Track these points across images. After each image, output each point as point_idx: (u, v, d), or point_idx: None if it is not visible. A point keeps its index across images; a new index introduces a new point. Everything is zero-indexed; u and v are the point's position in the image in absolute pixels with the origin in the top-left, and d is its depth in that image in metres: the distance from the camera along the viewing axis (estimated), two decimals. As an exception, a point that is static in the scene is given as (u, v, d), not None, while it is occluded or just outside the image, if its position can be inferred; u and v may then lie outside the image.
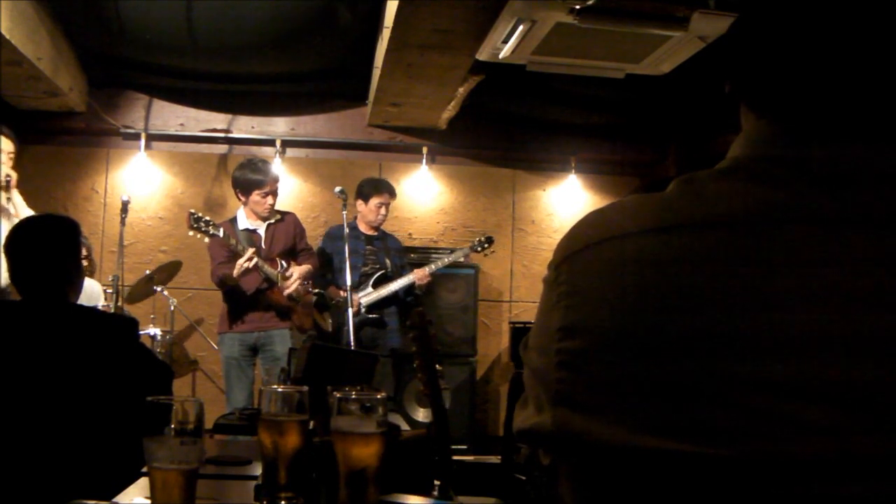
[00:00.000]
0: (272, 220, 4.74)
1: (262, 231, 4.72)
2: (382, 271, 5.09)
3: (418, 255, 5.72)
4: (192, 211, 4.41)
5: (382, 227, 5.27)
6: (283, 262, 4.70)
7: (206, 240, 4.48)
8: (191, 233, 4.37)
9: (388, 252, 5.21)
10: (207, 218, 4.38)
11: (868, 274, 0.72)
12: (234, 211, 5.81)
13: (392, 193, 5.21)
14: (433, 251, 5.80)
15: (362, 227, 5.14)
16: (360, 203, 5.12)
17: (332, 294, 4.93)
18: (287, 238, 4.78)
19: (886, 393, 0.69)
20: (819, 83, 0.80)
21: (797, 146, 0.80)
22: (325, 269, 5.01)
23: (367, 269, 5.05)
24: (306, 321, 4.82)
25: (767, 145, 0.82)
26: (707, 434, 0.72)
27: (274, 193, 4.68)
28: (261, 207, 4.64)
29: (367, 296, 4.99)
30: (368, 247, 5.11)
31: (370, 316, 5.02)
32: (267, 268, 4.56)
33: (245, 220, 4.72)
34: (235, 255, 4.53)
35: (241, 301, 4.62)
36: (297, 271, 4.70)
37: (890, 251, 0.72)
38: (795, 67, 0.81)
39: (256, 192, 4.60)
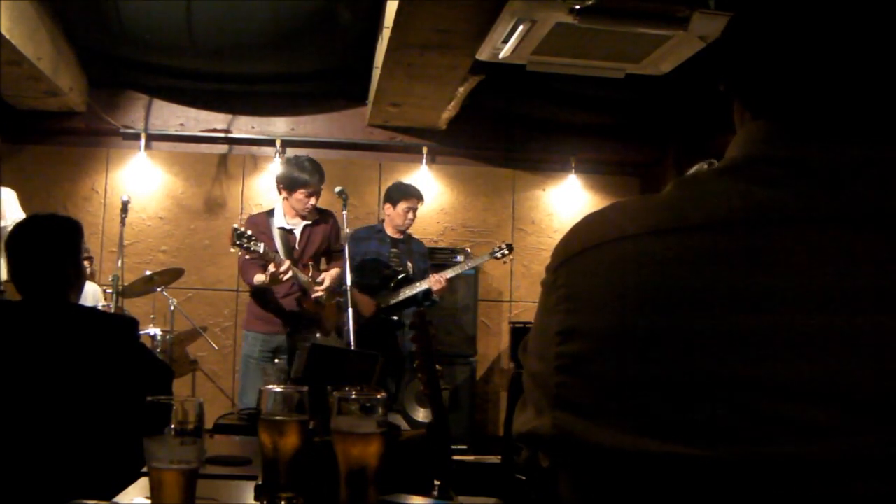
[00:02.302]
0: (310, 221, 4.66)
1: (298, 231, 4.64)
2: (404, 274, 5.10)
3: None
4: (236, 226, 4.27)
5: (408, 231, 5.28)
6: (314, 267, 4.64)
7: (232, 249, 4.33)
8: (233, 249, 4.25)
9: (412, 255, 5.22)
10: (249, 232, 4.25)
11: (868, 274, 0.72)
12: (235, 211, 5.83)
13: (420, 198, 5.21)
14: (435, 251, 5.80)
15: (389, 231, 5.16)
16: (388, 207, 5.14)
17: (353, 297, 4.90)
18: (322, 240, 4.71)
19: (886, 393, 0.69)
20: (816, 82, 0.80)
21: (795, 146, 0.80)
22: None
23: (388, 271, 5.07)
24: (329, 326, 4.77)
25: (765, 145, 0.82)
26: (707, 436, 0.72)
27: (318, 194, 4.60)
28: (302, 206, 4.56)
29: (387, 298, 5.01)
30: (393, 250, 5.14)
31: (390, 318, 5.03)
32: (300, 276, 4.48)
33: (282, 218, 4.62)
34: (266, 251, 4.49)
35: (269, 302, 4.56)
36: (328, 278, 4.63)
37: (890, 251, 0.72)
38: (792, 67, 0.81)
39: (301, 190, 4.51)
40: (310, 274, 4.58)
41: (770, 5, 0.84)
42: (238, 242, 4.18)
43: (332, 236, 4.78)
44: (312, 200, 4.57)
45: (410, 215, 5.16)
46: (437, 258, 5.61)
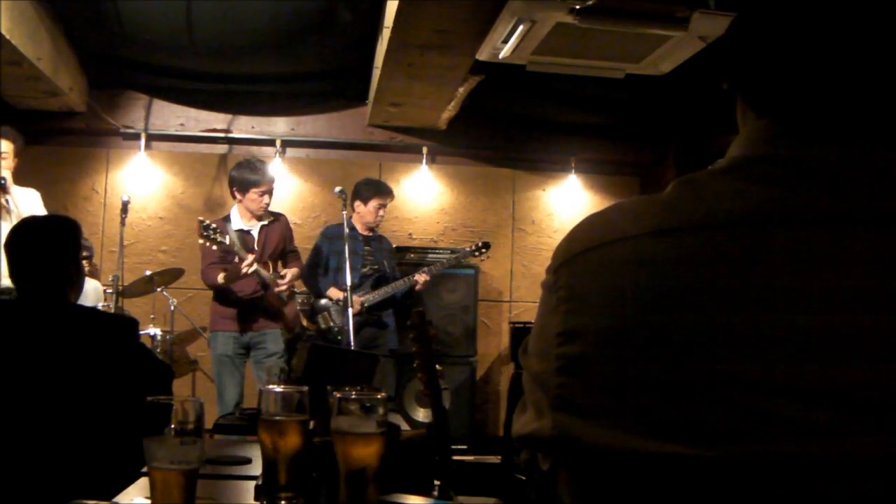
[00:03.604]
0: (265, 222, 4.77)
1: (255, 232, 4.74)
2: (381, 272, 5.10)
3: (417, 255, 5.72)
4: (202, 219, 4.44)
5: (377, 229, 5.29)
6: (273, 265, 4.74)
7: (200, 240, 4.47)
8: (200, 241, 4.37)
9: (384, 253, 5.23)
10: (215, 225, 4.41)
11: (868, 274, 0.72)
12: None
13: (391, 195, 5.22)
14: (432, 251, 5.80)
15: (359, 228, 5.15)
16: (358, 204, 5.12)
17: (332, 295, 4.95)
18: (279, 240, 4.83)
19: (886, 393, 0.69)
20: (819, 83, 0.80)
21: (797, 146, 0.80)
22: (323, 270, 5.03)
23: (366, 269, 5.07)
24: (292, 322, 4.86)
25: (767, 145, 0.82)
26: (707, 436, 0.72)
27: (270, 193, 4.72)
28: (256, 206, 4.67)
29: (368, 296, 5.01)
30: (366, 248, 5.13)
31: (370, 316, 5.04)
32: (262, 272, 4.60)
33: (239, 220, 4.73)
34: (226, 255, 4.56)
35: (234, 301, 4.65)
36: (289, 274, 4.77)
37: (890, 251, 0.72)
38: (796, 67, 0.81)
39: (254, 190, 4.63)
40: (270, 272, 4.68)
41: (774, 4, 0.84)
42: (205, 234, 4.33)
43: (286, 237, 4.91)
44: (266, 199, 4.70)
45: (381, 212, 5.16)
46: (436, 258, 5.61)
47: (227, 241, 4.41)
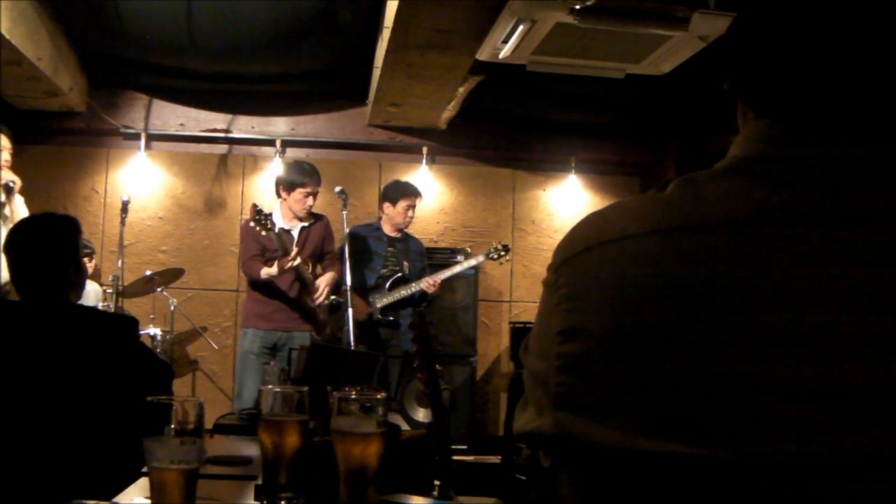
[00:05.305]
0: (306, 223, 4.82)
1: (295, 232, 4.79)
2: (400, 273, 5.11)
3: (438, 258, 5.71)
4: (255, 203, 4.54)
5: (407, 230, 5.29)
6: (311, 266, 4.79)
7: (251, 223, 4.48)
8: (251, 223, 4.43)
9: (409, 254, 5.23)
10: (268, 212, 4.48)
11: (868, 274, 0.72)
12: (235, 211, 5.85)
13: (418, 195, 5.26)
14: (435, 251, 5.80)
15: (386, 229, 5.17)
16: (387, 206, 5.16)
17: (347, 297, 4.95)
18: (318, 241, 4.88)
19: (886, 393, 0.69)
20: (820, 83, 0.80)
21: (797, 146, 0.80)
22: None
23: (385, 271, 5.10)
24: (323, 327, 4.87)
25: (767, 145, 0.82)
26: (707, 436, 0.72)
27: (315, 196, 4.78)
28: (300, 206, 4.73)
29: (382, 298, 5.02)
30: (390, 249, 5.15)
31: (386, 318, 5.05)
32: (304, 271, 4.65)
33: (280, 220, 4.77)
34: (266, 249, 4.61)
35: (271, 299, 4.69)
36: (324, 281, 4.78)
37: (890, 251, 0.72)
38: (796, 67, 0.81)
39: (300, 190, 4.71)
40: (309, 272, 4.73)
41: (775, 4, 0.84)
42: (257, 217, 4.40)
43: (325, 238, 4.94)
44: (310, 201, 4.75)
45: (410, 213, 5.18)
46: (437, 258, 5.61)
47: (276, 231, 4.47)
